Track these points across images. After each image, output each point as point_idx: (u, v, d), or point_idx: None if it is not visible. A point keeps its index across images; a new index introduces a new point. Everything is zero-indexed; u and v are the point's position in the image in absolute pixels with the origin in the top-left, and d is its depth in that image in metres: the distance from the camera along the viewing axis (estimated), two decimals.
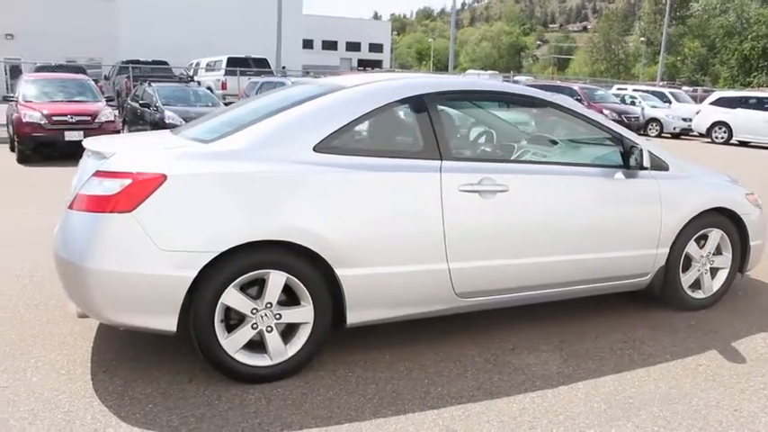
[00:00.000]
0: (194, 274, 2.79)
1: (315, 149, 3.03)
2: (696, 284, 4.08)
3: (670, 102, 21.73)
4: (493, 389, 3.03)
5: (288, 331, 3.09)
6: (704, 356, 3.41)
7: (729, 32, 48.75)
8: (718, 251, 4.14)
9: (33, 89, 12.00)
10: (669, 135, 20.55)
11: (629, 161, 3.66)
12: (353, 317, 3.14)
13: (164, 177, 2.79)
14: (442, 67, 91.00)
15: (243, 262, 2.87)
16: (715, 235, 4.03)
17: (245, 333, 2.98)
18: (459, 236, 3.22)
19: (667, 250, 3.83)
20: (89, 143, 3.32)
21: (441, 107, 3.37)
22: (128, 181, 2.77)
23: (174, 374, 3.09)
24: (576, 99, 19.39)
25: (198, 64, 23.34)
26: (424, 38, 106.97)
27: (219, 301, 2.88)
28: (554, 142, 3.97)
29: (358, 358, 3.32)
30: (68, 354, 3.30)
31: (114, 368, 3.14)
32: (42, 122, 10.82)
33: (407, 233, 3.12)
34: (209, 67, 22.47)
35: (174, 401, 2.85)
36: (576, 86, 20.92)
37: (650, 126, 20.45)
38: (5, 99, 13.66)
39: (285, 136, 3.03)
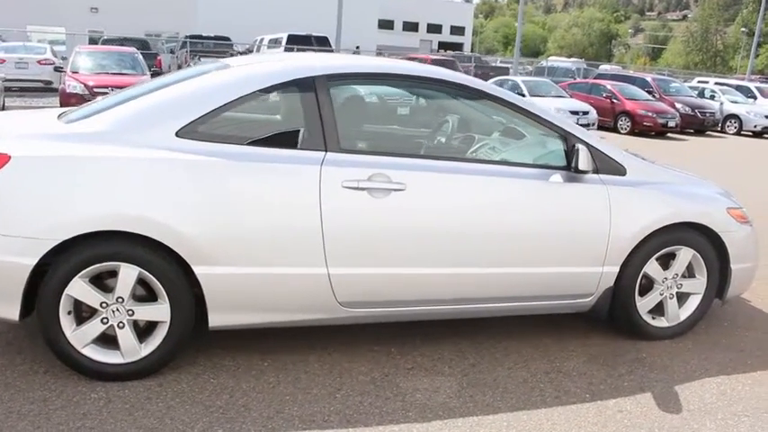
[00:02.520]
0: (34, 261, 2.60)
1: (178, 135, 2.74)
2: (659, 310, 3.47)
3: (755, 97, 19.80)
4: (354, 415, 2.64)
5: (150, 329, 2.83)
6: (632, 400, 2.84)
7: None
8: (690, 273, 3.49)
9: (81, 61, 12.36)
10: (750, 133, 18.74)
11: (571, 162, 3.10)
12: (216, 319, 2.84)
13: (7, 158, 2.60)
14: (528, 52, 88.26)
15: (90, 253, 2.65)
16: (684, 254, 3.38)
17: (94, 327, 2.75)
18: (342, 239, 2.82)
19: (617, 269, 3.24)
20: None
21: (335, 92, 2.95)
22: None
23: (31, 363, 2.91)
24: (647, 90, 18.05)
25: (262, 40, 23.48)
26: (512, 22, 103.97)
27: (65, 292, 2.67)
28: (477, 136, 3.43)
29: (234, 362, 3.02)
30: None
31: None
32: (84, 93, 11.11)
33: (279, 232, 2.76)
34: (272, 44, 22.56)
35: (12, 393, 2.67)
36: (648, 77, 19.48)
37: (728, 123, 18.72)
38: (56, 69, 14.20)
39: (147, 119, 2.76)
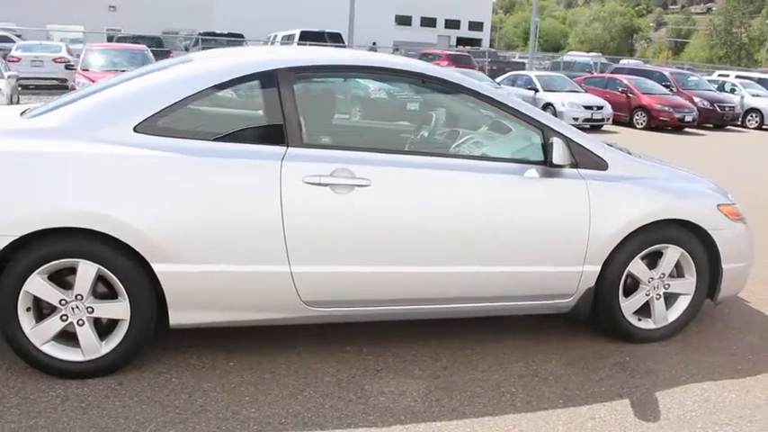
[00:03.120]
0: None
1: (136, 130, 2.68)
2: (645, 312, 3.31)
3: None
4: (312, 418, 2.54)
5: (111, 327, 2.78)
6: (608, 407, 2.70)
7: None
8: (679, 273, 3.33)
9: (92, 59, 12.46)
10: None
11: (547, 156, 2.96)
12: (177, 317, 2.78)
13: None
14: (548, 47, 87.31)
15: (48, 249, 2.61)
16: (672, 253, 3.22)
17: (53, 324, 2.71)
18: (304, 236, 2.73)
19: (598, 268, 3.09)
20: None
21: (298, 85, 2.85)
22: None
23: None
24: (665, 85, 17.67)
25: (275, 37, 23.47)
26: (532, 17, 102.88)
27: (23, 288, 2.63)
28: (449, 130, 3.30)
29: (199, 362, 2.95)
30: None
31: None
32: None
33: (239, 230, 2.68)
34: (285, 41, 22.53)
35: None
36: (666, 71, 19.07)
37: (749, 117, 18.24)
38: (67, 67, 14.34)
39: (105, 114, 2.71)
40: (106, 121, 2.68)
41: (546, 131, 3.02)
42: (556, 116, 15.75)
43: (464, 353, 3.15)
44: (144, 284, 2.70)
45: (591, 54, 42.79)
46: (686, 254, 3.24)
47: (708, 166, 10.21)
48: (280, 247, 2.73)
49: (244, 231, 2.69)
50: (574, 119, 15.16)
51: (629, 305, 3.22)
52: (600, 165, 3.08)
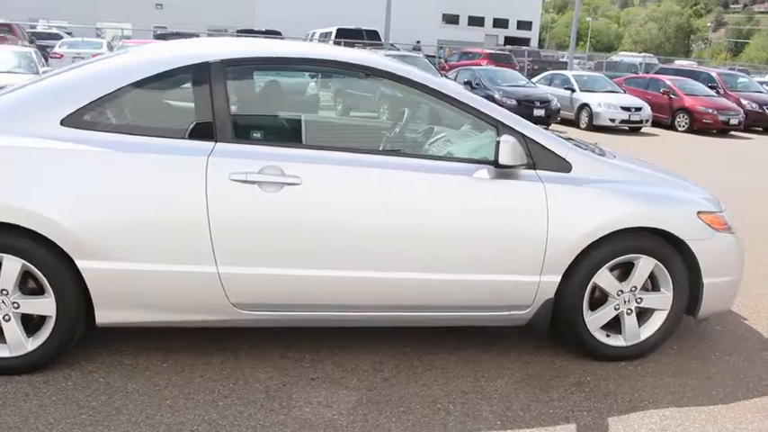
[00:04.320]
0: None
1: (63, 123, 2.60)
2: (616, 327, 3.03)
3: None
4: (226, 426, 2.41)
5: (41, 324, 2.71)
6: None
7: None
8: (655, 286, 3.04)
9: None
10: None
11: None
12: (103, 316, 2.70)
13: None
14: (601, 48, 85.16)
15: None
16: (644, 265, 2.93)
17: None
18: (231, 236, 2.60)
19: (558, 278, 2.84)
20: None
21: (231, 79, 2.72)
22: None
23: None
24: (711, 86, 16.86)
25: (313, 34, 23.53)
26: (585, 17, 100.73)
27: None
28: (394, 125, 3.07)
29: (133, 361, 2.86)
30: None
31: None
32: None
33: (165, 228, 2.58)
34: (322, 38, 22.56)
35: None
36: (713, 72, 18.18)
37: None
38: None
39: (32, 107, 2.64)
40: (33, 114, 2.61)
41: (500, 128, 2.78)
42: (592, 117, 15.31)
43: (410, 364, 2.94)
44: (70, 281, 2.61)
45: (642, 55, 41.41)
46: (661, 266, 2.94)
47: (747, 172, 9.63)
48: (206, 247, 2.60)
49: (169, 230, 2.58)
50: (610, 120, 14.62)
51: (594, 319, 2.95)
52: (562, 166, 2.83)
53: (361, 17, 31.51)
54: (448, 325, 2.93)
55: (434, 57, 24.20)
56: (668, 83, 16.25)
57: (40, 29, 26.18)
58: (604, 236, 2.82)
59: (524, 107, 14.26)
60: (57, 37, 22.54)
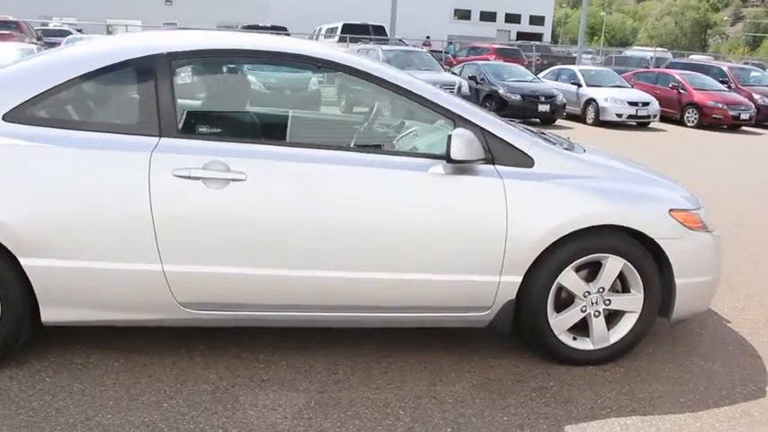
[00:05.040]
0: None
1: (5, 118, 2.53)
2: (584, 330, 2.91)
3: None
4: (165, 429, 2.33)
5: None
6: None
7: None
8: (625, 287, 2.91)
9: None
10: None
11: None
12: (49, 315, 2.64)
13: None
14: (615, 42, 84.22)
15: None
16: (612, 265, 2.80)
17: None
18: (175, 233, 2.52)
19: (519, 279, 2.72)
20: None
21: (178, 72, 2.64)
22: None
23: None
24: (722, 81, 16.52)
25: (320, 30, 23.43)
26: (599, 12, 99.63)
27: None
28: (348, 119, 2.96)
29: (85, 360, 2.80)
30: None
31: None
32: None
33: (108, 225, 2.50)
34: (328, 34, 22.44)
35: None
36: (725, 66, 17.82)
37: None
38: None
39: None
40: None
41: (458, 122, 2.66)
42: (598, 112, 15.07)
43: (367, 366, 2.84)
44: (13, 279, 2.54)
45: (657, 49, 40.83)
46: (630, 266, 2.81)
47: (757, 168, 9.39)
48: (150, 245, 2.52)
49: (113, 227, 2.50)
50: (617, 115, 14.38)
51: (560, 322, 2.83)
52: (523, 161, 2.70)
53: (373, 13, 31.38)
54: (405, 326, 2.82)
55: (440, 52, 23.95)
56: (677, 77, 15.94)
57: (52, 26, 26.38)
58: (568, 234, 2.69)
59: (529, 102, 14.07)
60: (66, 34, 22.66)
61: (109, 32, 26.22)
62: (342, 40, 20.67)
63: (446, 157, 2.56)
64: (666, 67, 19.11)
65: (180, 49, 2.63)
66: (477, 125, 2.66)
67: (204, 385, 2.64)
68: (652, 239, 2.78)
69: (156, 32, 2.88)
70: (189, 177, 2.49)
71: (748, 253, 4.88)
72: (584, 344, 2.89)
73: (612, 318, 2.93)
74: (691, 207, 2.89)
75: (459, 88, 13.58)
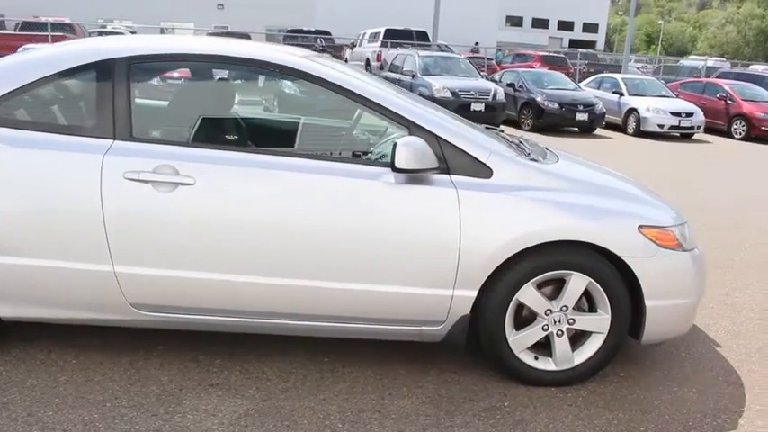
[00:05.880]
0: None
1: None
2: (546, 349, 2.78)
3: None
4: (101, 429, 2.34)
5: None
6: None
7: None
8: (592, 307, 2.77)
9: None
10: None
11: None
12: (5, 310, 2.71)
13: None
14: (673, 51, 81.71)
15: None
16: (576, 282, 2.66)
17: None
18: (126, 235, 2.55)
19: (473, 293, 2.62)
20: None
21: (135, 76, 2.65)
22: None
23: None
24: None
25: (364, 35, 23.54)
26: (656, 20, 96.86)
27: None
28: (302, 124, 2.89)
29: (46, 356, 2.85)
30: None
31: None
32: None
33: (62, 225, 2.55)
34: (372, 39, 22.52)
35: None
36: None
37: None
38: None
39: None
40: None
41: (412, 129, 2.59)
42: (639, 122, 14.58)
43: (320, 375, 2.79)
44: None
45: (711, 59, 39.36)
46: (596, 284, 2.67)
47: None
48: (102, 246, 2.56)
49: (66, 228, 2.55)
50: (659, 126, 13.91)
51: (520, 339, 2.72)
52: (480, 171, 2.60)
53: (420, 18, 31.38)
54: (358, 337, 2.76)
55: (482, 58, 23.70)
56: (725, 87, 15.30)
57: (110, 28, 27.44)
58: (528, 249, 2.58)
59: (567, 111, 13.76)
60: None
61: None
62: (384, 45, 20.70)
63: (391, 166, 2.48)
64: (717, 77, 18.38)
65: (139, 53, 2.66)
66: (431, 133, 2.58)
67: (153, 387, 2.65)
68: (617, 256, 2.64)
69: (119, 37, 2.93)
70: (138, 180, 2.51)
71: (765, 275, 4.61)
72: (546, 364, 2.77)
73: (579, 338, 2.79)
74: (666, 224, 2.73)
75: (495, 95, 13.39)
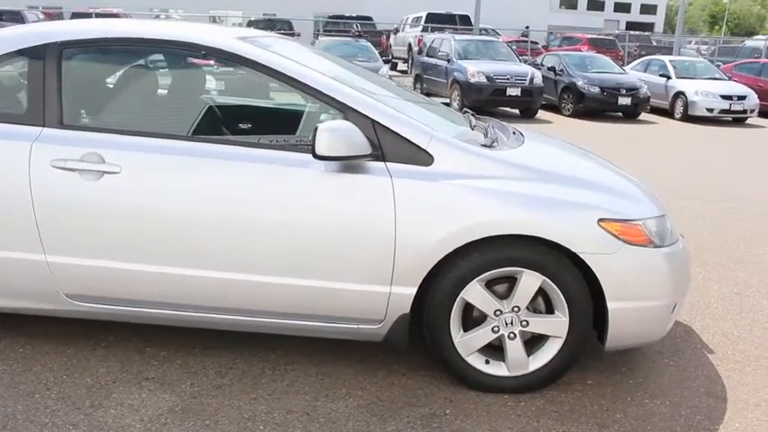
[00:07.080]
0: None
1: None
2: (498, 353, 2.57)
3: None
4: (21, 421, 2.31)
5: None
6: None
7: None
8: (549, 308, 2.53)
9: None
10: None
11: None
12: None
13: None
14: (740, 32, 77.52)
15: None
16: (528, 281, 2.43)
17: None
18: (55, 225, 2.49)
19: (413, 291, 2.43)
20: None
21: (66, 61, 2.58)
22: None
23: None
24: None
25: (407, 19, 23.18)
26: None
27: None
28: (233, 111, 2.71)
29: (23, 349, 2.82)
30: None
31: None
32: None
33: None
34: (414, 23, 22.15)
35: None
36: None
37: None
38: None
39: None
40: None
41: (347, 113, 2.41)
42: (687, 106, 13.77)
43: (261, 372, 2.67)
44: None
45: None
46: (551, 283, 2.43)
47: None
48: (33, 235, 2.51)
49: None
50: (708, 110, 13.15)
51: (467, 341, 2.51)
52: (419, 158, 2.40)
53: (465, 1, 30.66)
54: (297, 334, 2.61)
55: (526, 41, 22.98)
56: None
57: (163, 18, 28.10)
58: (473, 244, 2.37)
59: (608, 95, 13.16)
60: None
61: (215, 23, 27.45)
62: (425, 29, 20.32)
63: (312, 153, 2.31)
64: None
65: (72, 37, 2.58)
66: (365, 116, 2.39)
67: (88, 378, 2.59)
68: (574, 254, 2.39)
69: (54, 22, 2.85)
70: (65, 169, 2.44)
71: None
72: (497, 369, 2.55)
73: (537, 342, 2.56)
74: (632, 217, 2.45)
75: (532, 79, 12.92)
